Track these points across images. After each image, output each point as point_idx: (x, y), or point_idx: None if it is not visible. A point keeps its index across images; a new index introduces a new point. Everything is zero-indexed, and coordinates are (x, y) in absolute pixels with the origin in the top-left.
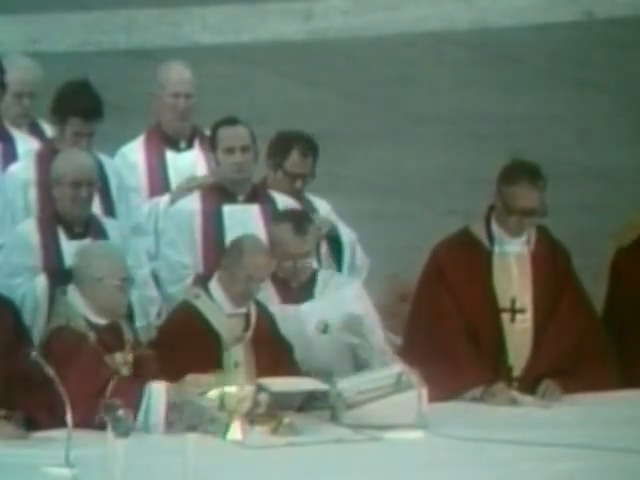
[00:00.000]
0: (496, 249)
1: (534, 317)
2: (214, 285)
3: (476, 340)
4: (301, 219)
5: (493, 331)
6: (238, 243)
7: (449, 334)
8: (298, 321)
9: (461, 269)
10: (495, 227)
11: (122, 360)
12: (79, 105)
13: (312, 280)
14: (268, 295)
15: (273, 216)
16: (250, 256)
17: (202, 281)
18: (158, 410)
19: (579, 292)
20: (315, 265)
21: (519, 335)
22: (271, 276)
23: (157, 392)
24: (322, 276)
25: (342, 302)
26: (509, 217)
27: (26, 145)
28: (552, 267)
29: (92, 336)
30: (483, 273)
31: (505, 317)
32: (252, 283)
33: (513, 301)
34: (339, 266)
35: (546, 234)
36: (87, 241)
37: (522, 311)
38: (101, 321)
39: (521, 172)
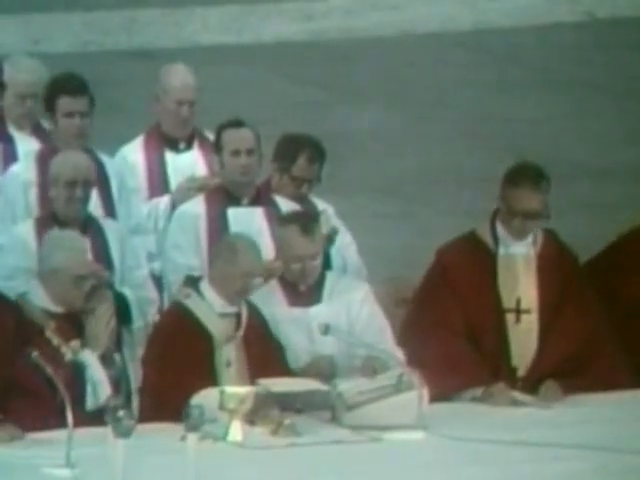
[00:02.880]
0: (501, 251)
1: (539, 318)
2: (205, 285)
3: (480, 340)
4: (307, 220)
5: (498, 331)
6: (229, 243)
7: (450, 334)
8: (306, 324)
9: (466, 271)
10: (500, 229)
11: (78, 347)
12: (63, 85)
13: (320, 282)
14: (276, 298)
15: (279, 218)
16: (244, 254)
17: (193, 282)
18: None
19: (585, 295)
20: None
21: (524, 336)
22: (279, 278)
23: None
24: (330, 279)
25: (349, 305)
26: (512, 219)
27: (26, 146)
28: (558, 269)
29: (52, 325)
30: (488, 274)
31: (510, 318)
32: (248, 279)
33: (518, 302)
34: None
35: (554, 237)
36: (85, 242)
37: (527, 312)
38: (59, 310)
39: (524, 175)
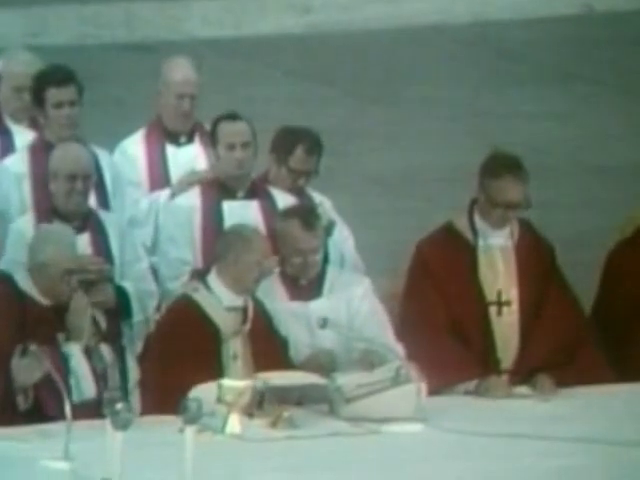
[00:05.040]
0: (480, 242)
1: (520, 310)
2: (213, 278)
3: (464, 334)
4: (309, 214)
5: (480, 324)
6: (240, 234)
7: (436, 330)
8: (306, 318)
9: (446, 264)
10: (478, 220)
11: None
12: (49, 77)
13: (321, 277)
14: (277, 291)
15: (280, 212)
16: (257, 241)
17: (200, 275)
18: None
19: (564, 286)
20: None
21: (506, 328)
22: (280, 273)
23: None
24: (331, 273)
25: (349, 300)
26: (493, 210)
27: (24, 139)
28: (536, 260)
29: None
30: (468, 267)
31: (492, 310)
32: (265, 265)
33: (499, 294)
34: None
35: (529, 228)
36: (85, 236)
37: (508, 304)
38: (47, 302)
39: (503, 165)
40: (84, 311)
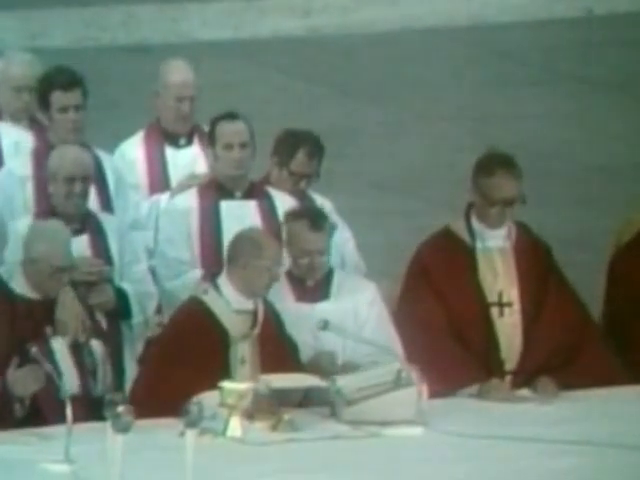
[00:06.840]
0: (478, 245)
1: (522, 310)
2: (223, 281)
3: (466, 337)
4: (316, 215)
5: (483, 326)
6: (250, 237)
7: (437, 334)
8: (311, 320)
9: (445, 267)
10: (475, 223)
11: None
12: (55, 80)
13: (328, 279)
14: (283, 293)
15: (289, 213)
16: (269, 246)
17: (210, 277)
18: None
19: (565, 286)
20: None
21: (509, 329)
22: (287, 274)
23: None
24: (338, 276)
25: (357, 306)
26: (490, 209)
27: (10, 137)
28: (534, 261)
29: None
30: (468, 269)
31: (494, 311)
32: (275, 270)
33: (500, 295)
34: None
35: (526, 230)
36: (84, 237)
37: (510, 304)
38: (36, 296)
39: (496, 163)
40: (70, 305)
